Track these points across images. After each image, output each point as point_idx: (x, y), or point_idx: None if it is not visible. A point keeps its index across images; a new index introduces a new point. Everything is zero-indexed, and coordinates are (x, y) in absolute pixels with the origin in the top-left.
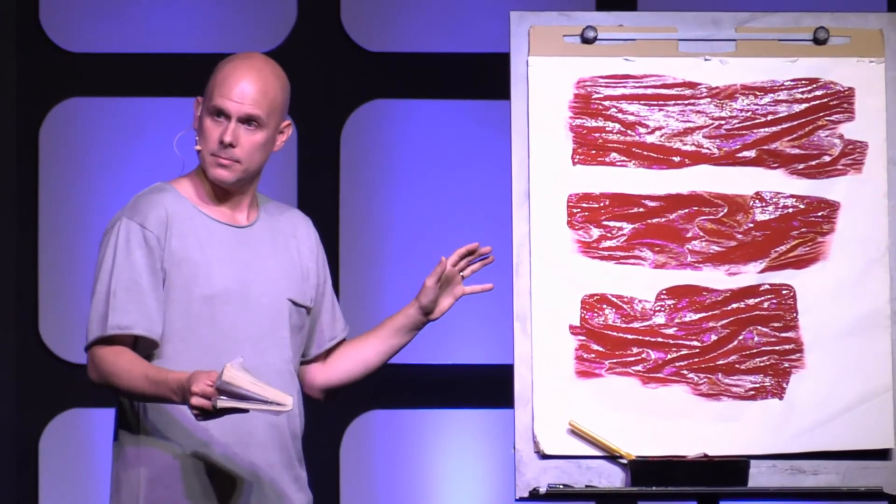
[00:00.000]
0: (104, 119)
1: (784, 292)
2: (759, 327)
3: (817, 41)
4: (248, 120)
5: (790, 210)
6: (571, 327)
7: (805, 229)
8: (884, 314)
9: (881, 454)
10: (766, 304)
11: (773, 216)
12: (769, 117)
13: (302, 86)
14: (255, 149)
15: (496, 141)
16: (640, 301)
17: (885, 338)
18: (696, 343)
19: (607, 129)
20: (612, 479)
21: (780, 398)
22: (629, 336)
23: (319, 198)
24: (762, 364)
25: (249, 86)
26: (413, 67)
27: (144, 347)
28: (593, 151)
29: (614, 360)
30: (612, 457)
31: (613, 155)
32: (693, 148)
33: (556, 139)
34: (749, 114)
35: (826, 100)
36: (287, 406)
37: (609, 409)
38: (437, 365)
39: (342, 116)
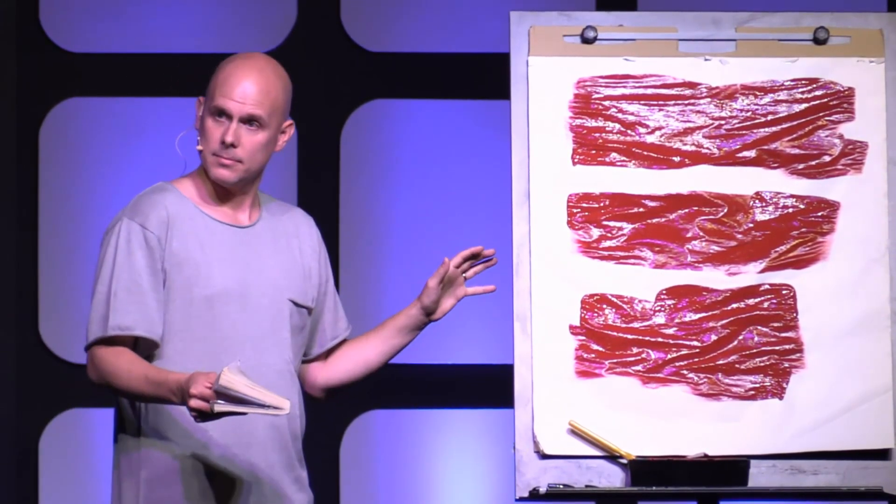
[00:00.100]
0: (104, 119)
1: (784, 292)
2: (759, 327)
3: (817, 41)
4: (249, 120)
5: (790, 210)
6: (571, 327)
7: (805, 229)
8: (884, 314)
9: (881, 454)
10: (766, 304)
11: (773, 216)
12: (769, 117)
13: (302, 86)
14: (257, 149)
15: (496, 141)
16: (640, 301)
17: (885, 338)
18: (696, 343)
19: (607, 129)
20: (612, 479)
21: (780, 398)
22: (629, 336)
23: (319, 198)
24: (762, 364)
25: (251, 86)
26: (413, 67)
27: (144, 348)
28: (593, 151)
29: (614, 360)
30: (612, 457)
31: (613, 155)
32: (693, 148)
33: (556, 139)
34: (749, 114)
35: (826, 100)
36: (284, 409)
37: (609, 409)
38: (437, 365)
39: (342, 116)
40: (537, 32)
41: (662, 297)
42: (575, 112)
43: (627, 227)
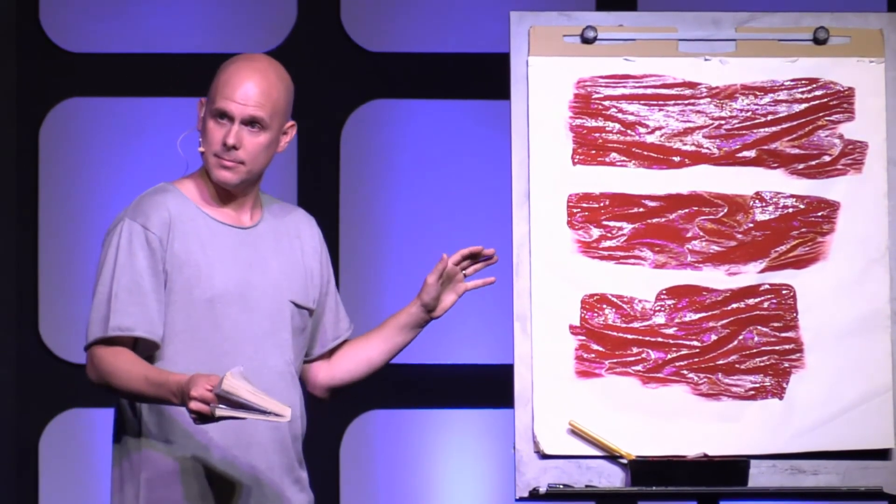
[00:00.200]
0: (104, 119)
1: (784, 292)
2: (759, 327)
3: (817, 41)
4: (251, 122)
5: (790, 210)
6: (571, 327)
7: (805, 229)
8: (884, 314)
9: (881, 454)
10: (766, 304)
11: (773, 216)
12: (769, 117)
13: (302, 86)
14: (259, 150)
15: (496, 141)
16: (640, 301)
17: (885, 338)
18: (696, 343)
19: (607, 129)
20: (612, 479)
21: (780, 398)
22: (629, 336)
23: (319, 198)
24: (762, 364)
25: (253, 87)
26: (413, 67)
27: (145, 349)
28: (593, 151)
29: (614, 360)
30: (612, 457)
31: (613, 155)
32: (693, 148)
33: (556, 139)
34: (749, 114)
35: (826, 100)
36: (285, 417)
37: (609, 409)
38: (437, 365)
39: (342, 116)
40: (537, 32)
41: (662, 297)
42: (575, 112)
43: (627, 227)
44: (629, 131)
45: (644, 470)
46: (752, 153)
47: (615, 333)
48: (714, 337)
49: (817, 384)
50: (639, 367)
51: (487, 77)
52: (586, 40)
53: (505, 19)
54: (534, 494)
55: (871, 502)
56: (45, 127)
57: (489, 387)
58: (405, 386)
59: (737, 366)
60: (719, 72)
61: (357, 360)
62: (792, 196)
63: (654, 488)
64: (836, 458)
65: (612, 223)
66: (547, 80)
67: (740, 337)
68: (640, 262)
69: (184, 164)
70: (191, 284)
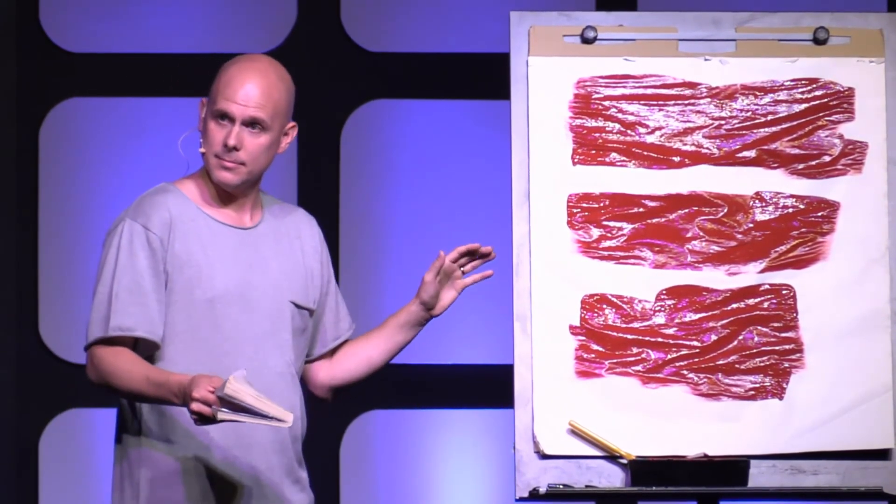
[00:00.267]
0: (104, 119)
1: (784, 292)
2: (759, 327)
3: (817, 41)
4: (252, 123)
5: (790, 210)
6: (571, 327)
7: (805, 229)
8: (884, 314)
9: (881, 454)
10: (766, 304)
11: (773, 216)
12: (769, 117)
13: (302, 86)
14: (260, 151)
15: (496, 141)
16: (640, 301)
17: (885, 338)
18: (696, 343)
19: (607, 129)
20: (612, 479)
21: (780, 398)
22: (629, 336)
23: (319, 198)
24: (762, 364)
25: (254, 88)
26: (413, 67)
27: (145, 349)
28: (593, 151)
29: (614, 360)
30: (612, 457)
31: (613, 155)
32: (693, 148)
33: (556, 139)
34: (749, 114)
35: (826, 100)
36: (287, 422)
37: (609, 409)
38: (437, 365)
39: (342, 116)
40: (537, 32)
41: (662, 297)
42: (575, 112)
43: (627, 227)
44: (629, 131)
45: (644, 470)
46: (752, 153)
47: (615, 333)
48: (714, 337)
49: (817, 384)
50: (639, 368)
51: (487, 77)
52: (586, 40)
53: (505, 19)
54: (534, 494)
55: (871, 502)
56: (45, 127)
57: (489, 387)
58: (405, 386)
59: (737, 366)
60: (719, 72)
61: (358, 359)
62: (792, 196)
63: (654, 488)
64: (836, 458)
65: (612, 223)
66: (547, 80)
67: (740, 337)
68: (640, 262)
69: (184, 165)
70: (191, 285)
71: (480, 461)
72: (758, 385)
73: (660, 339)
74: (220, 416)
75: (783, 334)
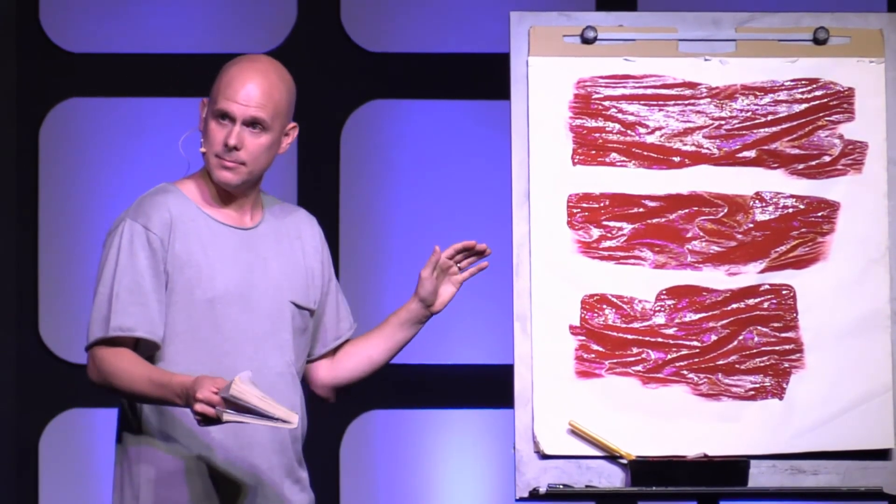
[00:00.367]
0: (104, 119)
1: (784, 292)
2: (759, 327)
3: (817, 41)
4: (252, 123)
5: (790, 210)
6: (571, 327)
7: (805, 229)
8: (884, 314)
9: (881, 454)
10: (766, 305)
11: (773, 216)
12: (769, 117)
13: (302, 86)
14: (261, 151)
15: (496, 141)
16: (640, 301)
17: (885, 338)
18: (696, 343)
19: (607, 129)
20: (612, 479)
21: (780, 398)
22: (629, 336)
23: (319, 198)
24: (762, 364)
25: (255, 88)
26: (413, 67)
27: (145, 349)
28: (593, 151)
29: (614, 361)
30: (612, 457)
31: (613, 155)
32: (693, 148)
33: (556, 139)
34: (749, 114)
35: (826, 100)
36: (292, 424)
37: (609, 409)
38: (437, 365)
39: (342, 116)
40: (537, 33)
41: (662, 297)
42: (575, 112)
43: (627, 228)
44: (629, 131)
45: (644, 470)
46: (752, 153)
47: (615, 334)
48: (714, 337)
49: (817, 384)
50: (639, 368)
51: (487, 77)
52: (586, 40)
53: (505, 19)
54: (534, 494)
55: (871, 502)
56: (45, 127)
57: (489, 387)
58: (405, 386)
59: (737, 366)
60: (719, 72)
61: (359, 358)
62: (792, 196)
63: (654, 488)
64: (836, 458)
65: (612, 223)
66: (547, 80)
67: (740, 337)
68: (640, 262)
69: (185, 165)
70: (191, 285)
71: (480, 461)
72: (758, 385)
73: (660, 340)
74: (226, 416)
75: (783, 334)
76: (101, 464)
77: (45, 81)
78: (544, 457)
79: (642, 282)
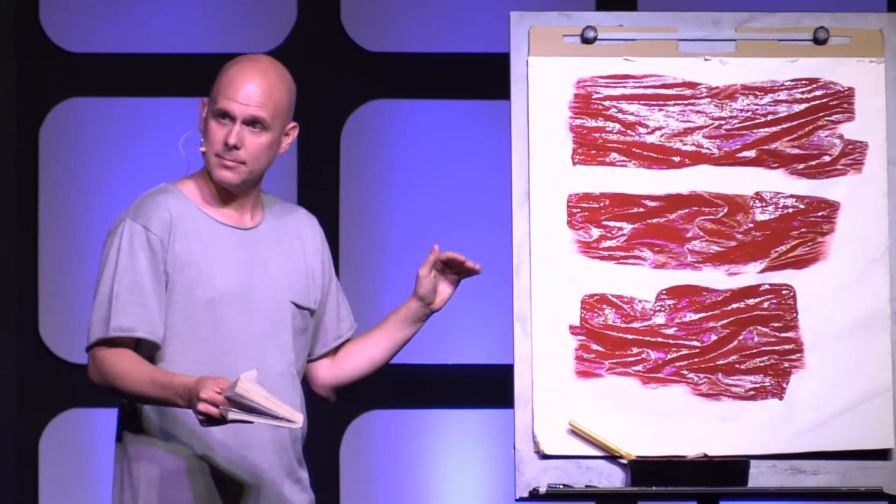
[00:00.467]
0: (104, 119)
1: (784, 292)
2: (759, 327)
3: (817, 41)
4: (252, 122)
5: (790, 210)
6: (571, 327)
7: (805, 229)
8: (884, 314)
9: (881, 454)
10: (766, 304)
11: (773, 216)
12: (769, 117)
13: (302, 86)
14: (261, 151)
15: (496, 141)
16: (640, 301)
17: (885, 338)
18: (696, 343)
19: (607, 129)
20: (612, 479)
21: (780, 398)
22: (629, 336)
23: (319, 198)
24: (762, 364)
25: (255, 88)
26: (413, 67)
27: (145, 349)
28: (593, 151)
29: (614, 360)
30: (612, 457)
31: (613, 155)
32: (693, 148)
33: (556, 139)
34: (749, 114)
35: (826, 100)
36: (297, 423)
37: (609, 409)
38: (437, 365)
39: (342, 116)
40: (537, 32)
41: (662, 297)
42: (575, 112)
43: (627, 227)
44: (629, 131)
45: (644, 470)
46: (752, 153)
47: (615, 333)
48: (714, 337)
49: (817, 384)
50: (639, 368)
51: (487, 77)
52: (586, 40)
53: (505, 19)
54: (534, 494)
55: (871, 502)
56: (45, 127)
57: (489, 387)
58: (405, 386)
59: (737, 366)
60: (719, 72)
61: (359, 358)
62: (792, 196)
63: (654, 488)
64: (836, 458)
65: (612, 223)
66: (547, 80)
67: (740, 337)
68: (640, 262)
69: (185, 165)
70: (192, 285)
71: (480, 461)
72: (758, 385)
73: (660, 339)
74: (231, 416)
75: (783, 334)
76: (101, 464)
77: (45, 81)
78: (544, 457)
79: (642, 282)
